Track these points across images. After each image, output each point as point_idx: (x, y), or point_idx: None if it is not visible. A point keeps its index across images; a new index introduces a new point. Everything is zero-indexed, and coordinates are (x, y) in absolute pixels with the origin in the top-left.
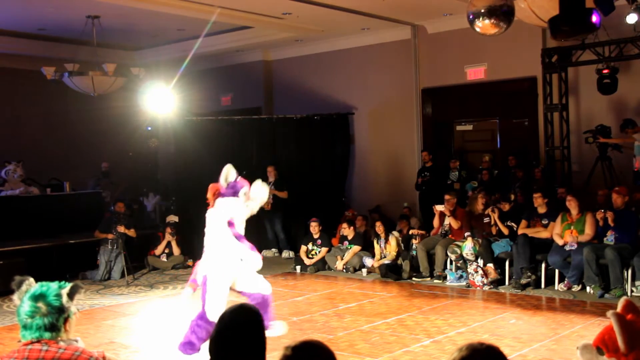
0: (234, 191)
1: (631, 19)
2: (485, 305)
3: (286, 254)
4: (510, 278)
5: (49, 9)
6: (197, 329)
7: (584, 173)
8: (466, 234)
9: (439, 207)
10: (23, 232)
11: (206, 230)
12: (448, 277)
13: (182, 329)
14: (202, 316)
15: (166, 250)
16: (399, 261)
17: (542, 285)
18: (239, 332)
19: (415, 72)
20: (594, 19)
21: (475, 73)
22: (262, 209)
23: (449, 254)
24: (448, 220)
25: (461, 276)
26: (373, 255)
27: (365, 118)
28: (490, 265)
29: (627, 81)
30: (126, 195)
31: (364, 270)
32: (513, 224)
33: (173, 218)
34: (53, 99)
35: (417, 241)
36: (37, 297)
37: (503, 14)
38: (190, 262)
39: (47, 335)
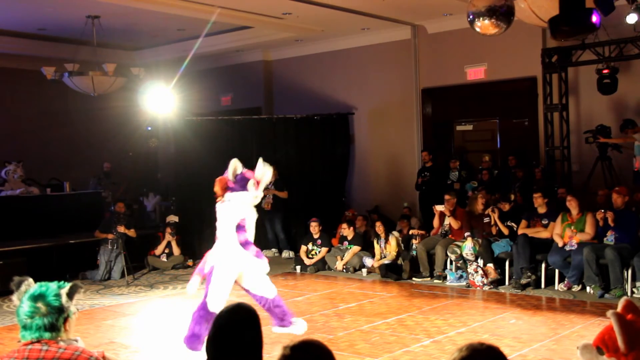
0: (242, 184)
1: (631, 19)
2: (485, 305)
3: (286, 254)
4: (510, 278)
5: (49, 9)
6: (199, 319)
7: (584, 173)
8: (466, 234)
9: (439, 207)
10: (23, 232)
11: (217, 224)
12: (448, 277)
13: (184, 324)
14: (204, 306)
15: (166, 250)
16: (399, 261)
17: (542, 285)
18: (236, 332)
19: (415, 72)
20: (594, 19)
21: (475, 73)
22: (262, 209)
23: (449, 254)
24: (448, 220)
25: (461, 276)
26: (373, 256)
27: (365, 118)
28: (490, 265)
29: (627, 81)
30: (126, 195)
31: (364, 270)
32: (513, 224)
33: (173, 218)
34: (53, 99)
35: (417, 241)
36: (37, 298)
37: (503, 14)
38: (190, 262)
39: (47, 335)
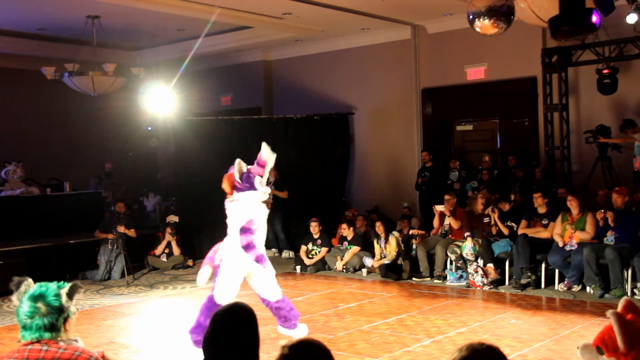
0: (249, 183)
1: (631, 19)
2: (485, 305)
3: (286, 254)
4: (510, 278)
5: (49, 9)
6: (205, 310)
7: (584, 173)
8: (466, 234)
9: (438, 207)
10: (23, 232)
11: (228, 221)
12: (448, 277)
13: (185, 323)
14: (212, 298)
15: (166, 250)
16: (399, 261)
17: (542, 285)
18: (232, 331)
19: (415, 72)
20: (594, 19)
21: (475, 73)
22: None
23: (449, 254)
24: (448, 220)
25: (461, 276)
26: (373, 256)
27: (365, 118)
28: (490, 265)
29: (627, 81)
30: (126, 195)
31: (364, 271)
32: (513, 224)
33: (173, 218)
34: (53, 99)
35: (417, 241)
36: (37, 298)
37: (503, 14)
38: (190, 262)
39: (46, 335)
